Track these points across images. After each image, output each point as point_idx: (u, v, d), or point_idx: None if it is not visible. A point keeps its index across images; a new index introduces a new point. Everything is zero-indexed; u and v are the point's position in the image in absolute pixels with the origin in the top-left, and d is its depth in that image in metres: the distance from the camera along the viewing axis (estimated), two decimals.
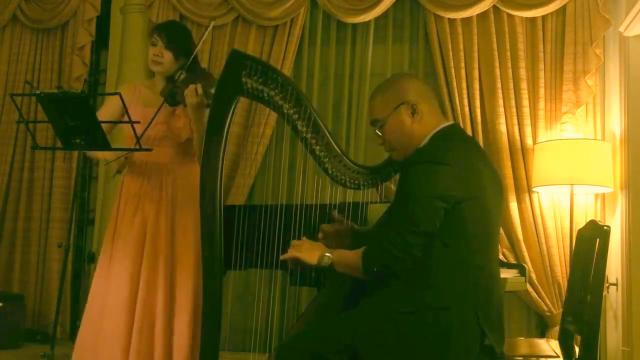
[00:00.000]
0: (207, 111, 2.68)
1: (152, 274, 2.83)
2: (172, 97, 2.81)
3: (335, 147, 2.22)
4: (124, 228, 2.91)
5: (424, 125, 2.08)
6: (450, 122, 2.14)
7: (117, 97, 2.67)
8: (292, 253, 2.10)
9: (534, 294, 3.97)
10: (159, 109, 2.76)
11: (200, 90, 2.70)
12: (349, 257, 2.04)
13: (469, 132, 4.09)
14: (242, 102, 2.93)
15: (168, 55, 2.90)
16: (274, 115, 4.31)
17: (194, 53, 2.87)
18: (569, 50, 4.05)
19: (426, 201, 1.91)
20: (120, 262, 2.86)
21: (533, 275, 3.96)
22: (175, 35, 2.94)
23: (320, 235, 2.29)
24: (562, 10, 4.10)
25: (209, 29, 2.91)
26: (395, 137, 2.10)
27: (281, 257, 2.14)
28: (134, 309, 2.80)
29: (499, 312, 2.03)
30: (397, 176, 2.23)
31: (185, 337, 2.79)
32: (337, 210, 2.37)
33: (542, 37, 4.14)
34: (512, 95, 4.10)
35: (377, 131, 2.13)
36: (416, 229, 1.91)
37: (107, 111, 2.91)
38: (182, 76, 2.82)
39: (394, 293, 1.97)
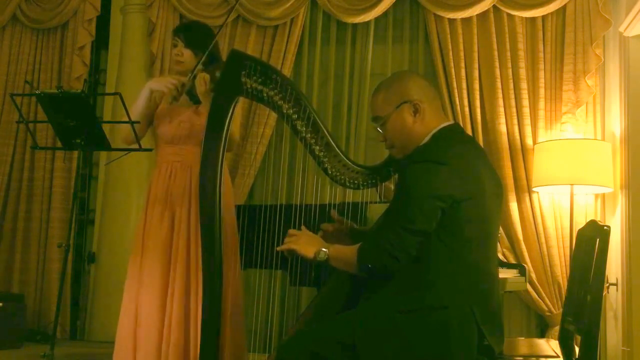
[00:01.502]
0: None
1: (185, 274, 2.83)
2: (190, 93, 2.84)
3: (335, 147, 2.21)
4: (152, 231, 2.90)
5: (425, 124, 2.07)
6: (451, 121, 2.14)
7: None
8: (289, 245, 2.09)
9: (534, 294, 3.97)
10: (183, 86, 2.82)
11: (207, 78, 2.76)
12: (345, 253, 2.04)
13: (469, 132, 4.09)
14: (242, 102, 2.93)
15: (188, 54, 2.94)
16: (273, 116, 4.31)
17: (210, 48, 2.89)
18: (569, 50, 4.05)
19: (423, 200, 1.91)
20: (150, 266, 2.85)
21: (533, 275, 3.96)
22: (193, 33, 2.99)
23: (320, 234, 2.28)
24: (562, 10, 4.10)
25: (226, 21, 2.92)
26: (396, 135, 2.10)
27: (277, 249, 2.14)
28: (165, 312, 2.80)
29: (498, 312, 2.03)
30: (397, 176, 2.22)
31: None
32: (336, 211, 2.36)
33: (542, 37, 4.14)
34: (512, 95, 4.10)
35: (378, 128, 2.13)
36: (412, 227, 1.91)
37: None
38: (198, 71, 2.84)
39: (393, 292, 1.97)
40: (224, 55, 3.05)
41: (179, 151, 2.93)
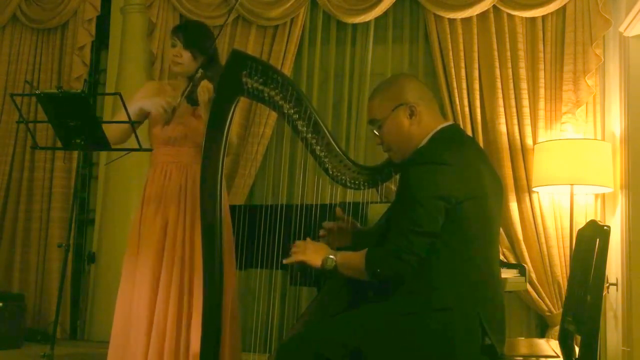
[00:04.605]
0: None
1: (172, 275, 2.82)
2: (190, 96, 2.82)
3: (336, 147, 2.21)
4: (145, 231, 2.90)
5: (422, 127, 2.07)
6: (449, 122, 2.14)
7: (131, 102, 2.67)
8: (296, 257, 2.09)
9: (534, 294, 3.97)
10: (174, 110, 2.79)
11: (210, 88, 2.72)
12: (353, 260, 2.02)
13: (469, 132, 4.09)
14: (242, 102, 2.93)
15: (187, 55, 2.89)
16: (274, 115, 4.31)
17: (209, 50, 2.86)
18: (569, 50, 4.05)
19: (427, 201, 1.91)
20: (142, 264, 2.85)
21: (533, 275, 3.96)
22: (193, 34, 2.93)
23: (322, 232, 2.28)
24: (562, 10, 4.11)
25: (226, 22, 2.88)
26: (392, 138, 2.10)
27: (284, 261, 2.13)
28: (154, 312, 2.80)
29: (501, 312, 2.03)
30: (398, 176, 2.22)
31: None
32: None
33: (542, 37, 4.14)
34: (512, 95, 4.10)
35: (375, 131, 2.13)
36: (419, 229, 1.90)
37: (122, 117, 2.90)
38: (200, 75, 2.82)
39: (396, 294, 1.96)
40: (224, 56, 3.04)
41: (174, 152, 2.91)
